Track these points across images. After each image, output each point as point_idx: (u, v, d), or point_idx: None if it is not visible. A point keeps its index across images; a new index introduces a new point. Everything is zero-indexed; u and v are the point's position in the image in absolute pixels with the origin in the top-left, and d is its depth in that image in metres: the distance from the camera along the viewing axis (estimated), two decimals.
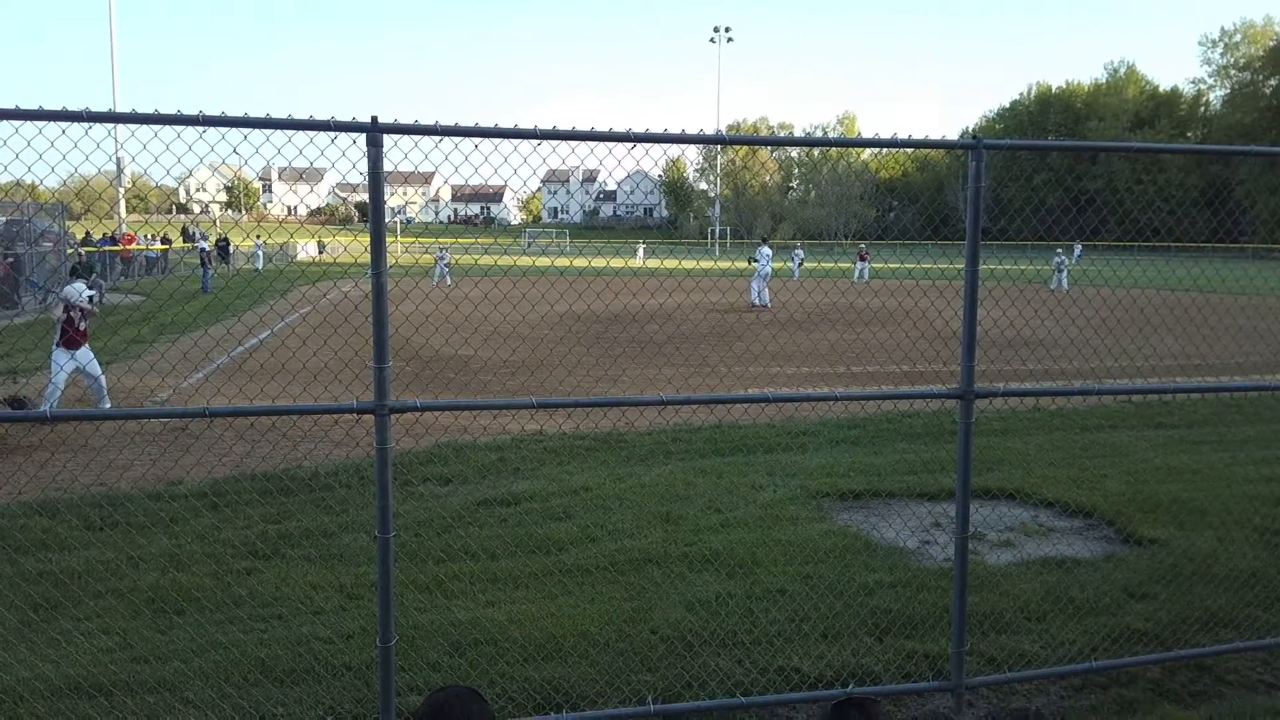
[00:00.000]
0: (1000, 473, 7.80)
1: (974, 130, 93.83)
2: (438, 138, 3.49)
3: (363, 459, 8.29)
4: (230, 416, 5.12)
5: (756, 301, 25.00)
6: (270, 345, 15.38)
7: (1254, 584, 5.32)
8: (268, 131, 3.32)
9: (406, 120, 3.40)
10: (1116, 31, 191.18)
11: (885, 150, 5.19)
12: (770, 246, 26.98)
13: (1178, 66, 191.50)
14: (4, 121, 3.15)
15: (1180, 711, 4.20)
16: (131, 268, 32.64)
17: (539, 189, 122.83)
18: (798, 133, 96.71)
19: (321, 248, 52.76)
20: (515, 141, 3.60)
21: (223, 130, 3.27)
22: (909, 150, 5.03)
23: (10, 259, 21.75)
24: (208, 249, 31.34)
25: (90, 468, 7.93)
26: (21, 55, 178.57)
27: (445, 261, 31.78)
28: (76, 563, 5.66)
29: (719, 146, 61.99)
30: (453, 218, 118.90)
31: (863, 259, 37.38)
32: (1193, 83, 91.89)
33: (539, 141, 3.57)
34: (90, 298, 10.71)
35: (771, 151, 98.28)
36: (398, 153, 3.63)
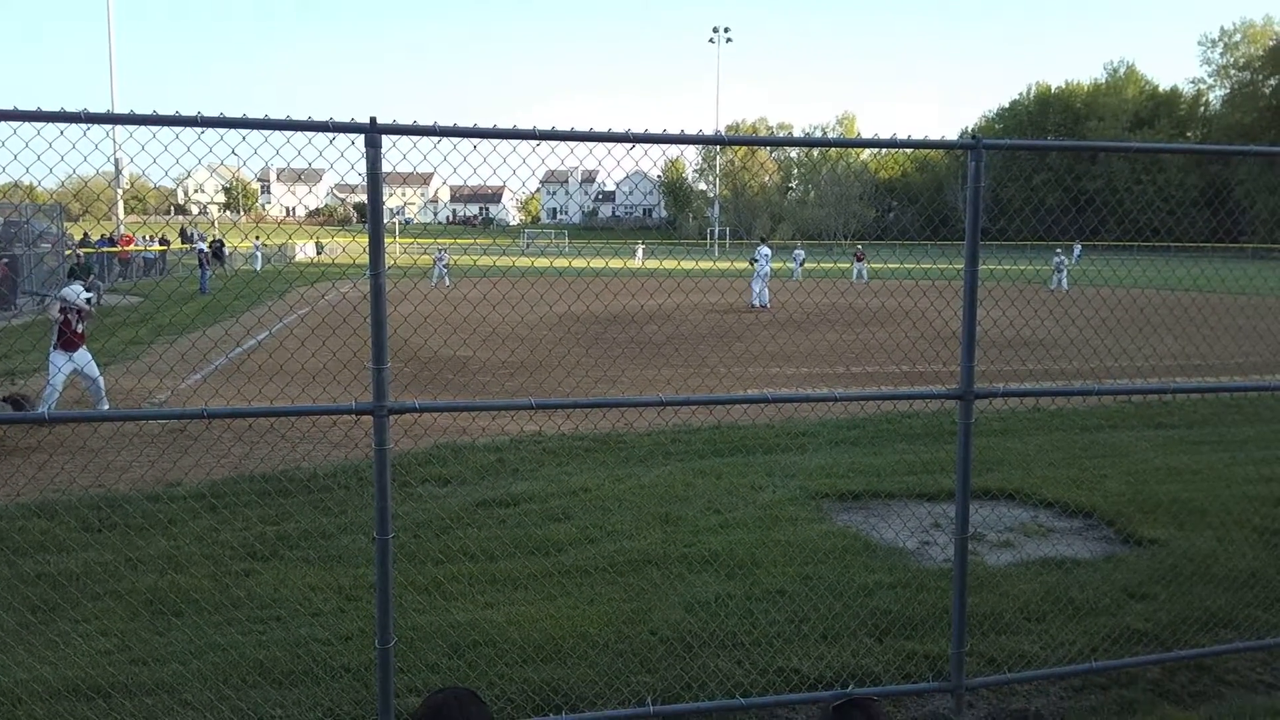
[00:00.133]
0: (1000, 473, 7.80)
1: (973, 130, 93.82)
2: (436, 138, 3.49)
3: (361, 460, 8.28)
4: (229, 418, 5.12)
5: (756, 303, 24.98)
6: (269, 346, 15.37)
7: (1254, 584, 5.32)
8: (266, 132, 3.31)
9: (405, 121, 3.39)
10: (1116, 31, 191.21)
11: (885, 150, 5.19)
12: (769, 246, 26.97)
13: (1177, 66, 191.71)
14: (2, 122, 3.15)
15: (1180, 712, 4.20)
16: (129, 269, 32.64)
17: (538, 190, 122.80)
18: (797, 133, 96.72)
19: (320, 249, 52.76)
20: (514, 142, 3.59)
21: (221, 131, 3.26)
22: (908, 150, 5.03)
23: (5, 260, 21.73)
24: (205, 250, 31.33)
25: (88, 469, 7.92)
26: (21, 55, 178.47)
27: (444, 262, 31.78)
28: (75, 564, 5.65)
29: (718, 147, 61.97)
30: (451, 218, 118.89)
31: (859, 259, 37.41)
32: (1192, 83, 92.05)
33: (538, 142, 3.56)
34: (88, 299, 10.70)
35: (771, 152, 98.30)
36: (396, 153, 3.62)
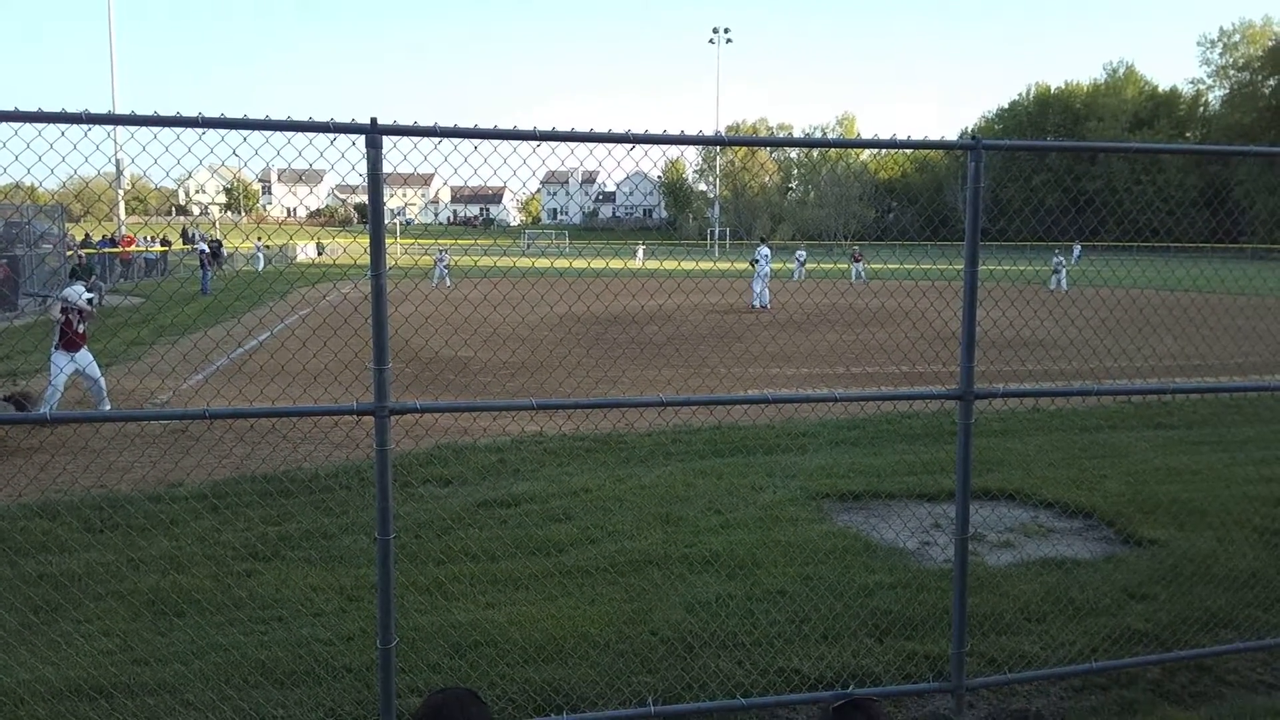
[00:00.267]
0: (1000, 473, 7.81)
1: (973, 131, 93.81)
2: (437, 139, 3.50)
3: (363, 460, 8.29)
4: (230, 418, 5.13)
5: (757, 304, 24.98)
6: (270, 347, 15.39)
7: (1254, 584, 5.32)
8: (267, 133, 3.31)
9: (406, 121, 3.39)
10: (1116, 32, 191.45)
11: (884, 151, 5.20)
12: (770, 247, 26.96)
13: (1177, 67, 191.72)
14: (3, 123, 3.15)
15: (1180, 712, 4.20)
16: (131, 269, 32.65)
17: (538, 190, 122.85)
18: (797, 133, 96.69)
19: (321, 249, 52.76)
20: (515, 142, 3.60)
21: (222, 132, 3.27)
22: (908, 151, 5.04)
23: (6, 260, 21.74)
24: (206, 250, 31.35)
25: (90, 470, 7.92)
26: (21, 56, 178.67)
27: (445, 263, 31.77)
28: (77, 565, 5.66)
29: (718, 147, 62.04)
30: (452, 219, 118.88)
31: (857, 260, 37.42)
32: (1191, 83, 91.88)
33: (538, 142, 3.57)
34: (90, 300, 10.71)
35: (771, 152, 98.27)
36: (397, 154, 3.63)
